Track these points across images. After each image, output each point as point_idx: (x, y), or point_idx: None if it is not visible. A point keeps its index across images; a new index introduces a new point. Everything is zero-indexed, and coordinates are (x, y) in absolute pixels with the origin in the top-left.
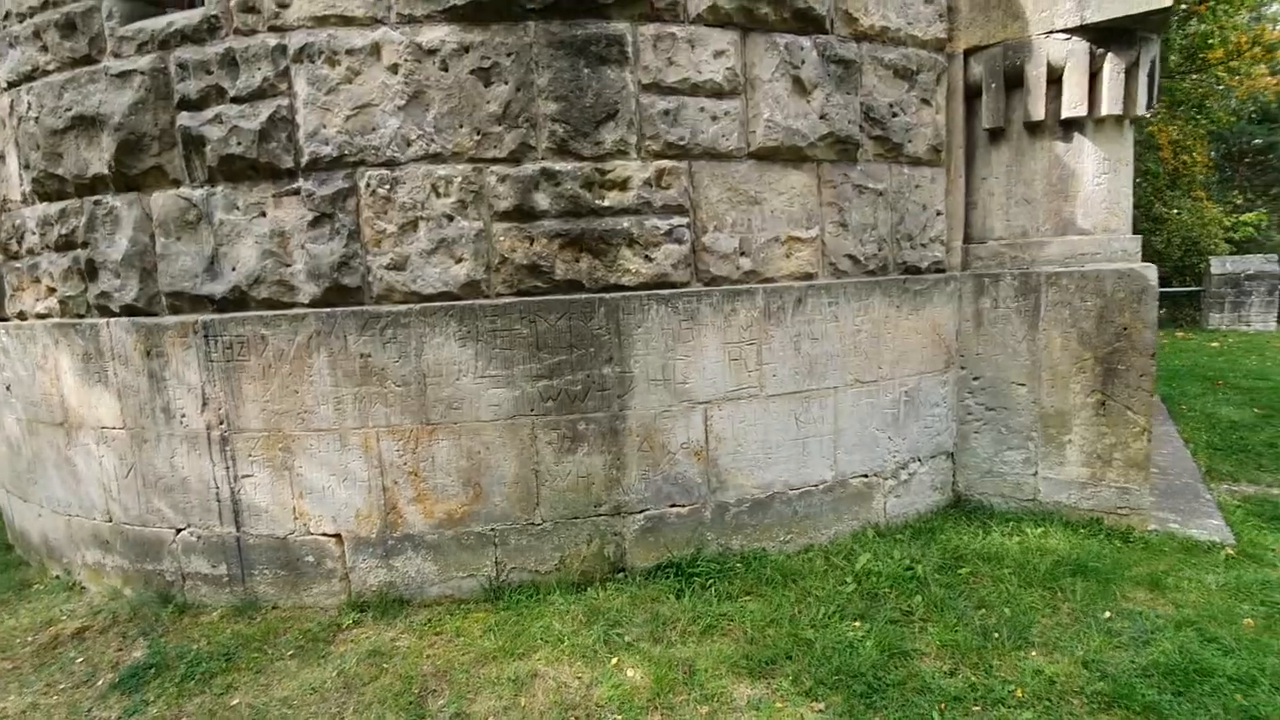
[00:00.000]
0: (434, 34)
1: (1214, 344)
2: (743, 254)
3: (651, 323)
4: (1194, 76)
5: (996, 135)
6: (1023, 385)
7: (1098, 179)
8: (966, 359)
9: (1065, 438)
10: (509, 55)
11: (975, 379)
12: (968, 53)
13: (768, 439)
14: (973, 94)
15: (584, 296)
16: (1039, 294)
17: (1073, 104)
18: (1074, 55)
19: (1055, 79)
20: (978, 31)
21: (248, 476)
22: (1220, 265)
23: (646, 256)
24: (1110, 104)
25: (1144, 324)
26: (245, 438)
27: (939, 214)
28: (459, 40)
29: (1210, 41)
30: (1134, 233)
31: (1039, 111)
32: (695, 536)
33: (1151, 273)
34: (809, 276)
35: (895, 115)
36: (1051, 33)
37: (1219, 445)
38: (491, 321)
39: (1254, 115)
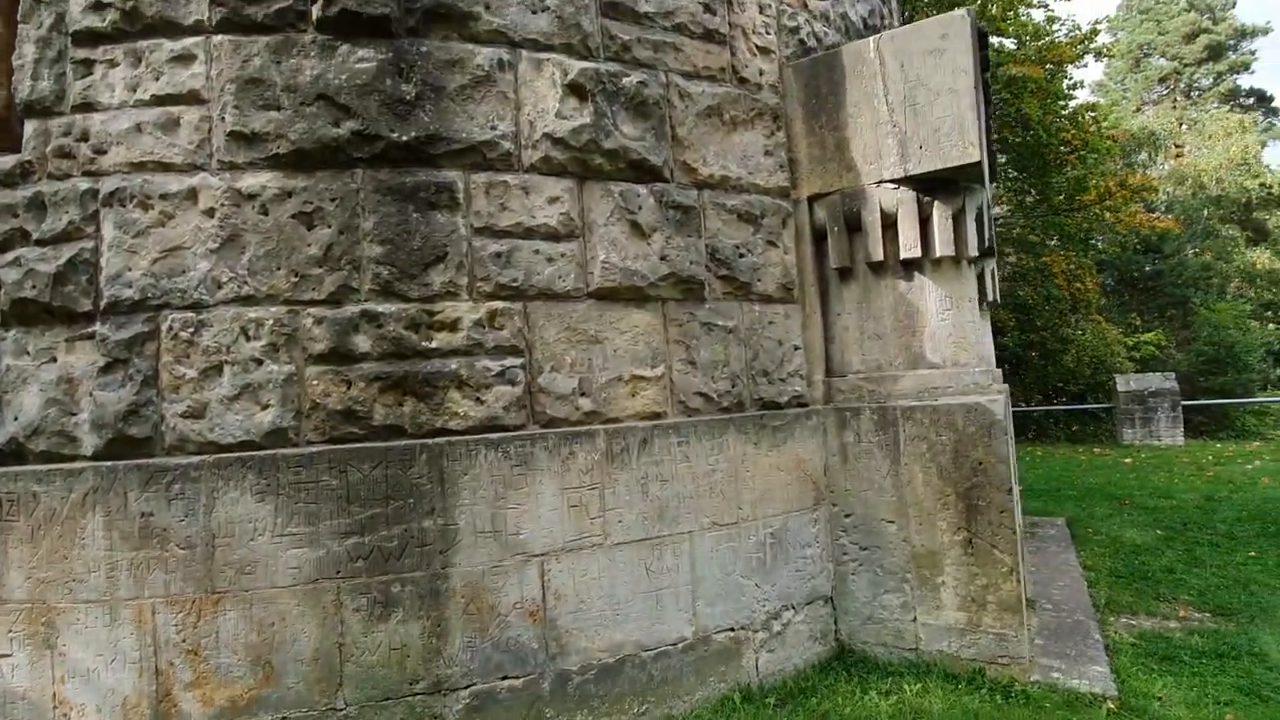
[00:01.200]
0: (256, 180)
1: (1127, 460)
2: (583, 394)
3: (480, 469)
4: (1075, 214)
5: (845, 274)
6: (892, 522)
7: (941, 315)
8: (837, 495)
9: (939, 579)
10: (334, 200)
11: (847, 516)
12: (811, 199)
13: (615, 593)
14: (820, 236)
15: (404, 443)
16: (897, 428)
17: (908, 247)
18: (904, 203)
19: (891, 223)
20: (818, 181)
21: (5, 656)
22: (1125, 383)
23: (477, 399)
24: (942, 247)
25: (997, 458)
26: (6, 611)
27: (797, 349)
28: (281, 186)
29: (1085, 185)
30: (998, 365)
31: (878, 254)
32: (532, 713)
33: (999, 406)
34: (657, 416)
35: (742, 256)
36: (881, 182)
37: (1121, 572)
38: (296, 472)
39: (1138, 246)
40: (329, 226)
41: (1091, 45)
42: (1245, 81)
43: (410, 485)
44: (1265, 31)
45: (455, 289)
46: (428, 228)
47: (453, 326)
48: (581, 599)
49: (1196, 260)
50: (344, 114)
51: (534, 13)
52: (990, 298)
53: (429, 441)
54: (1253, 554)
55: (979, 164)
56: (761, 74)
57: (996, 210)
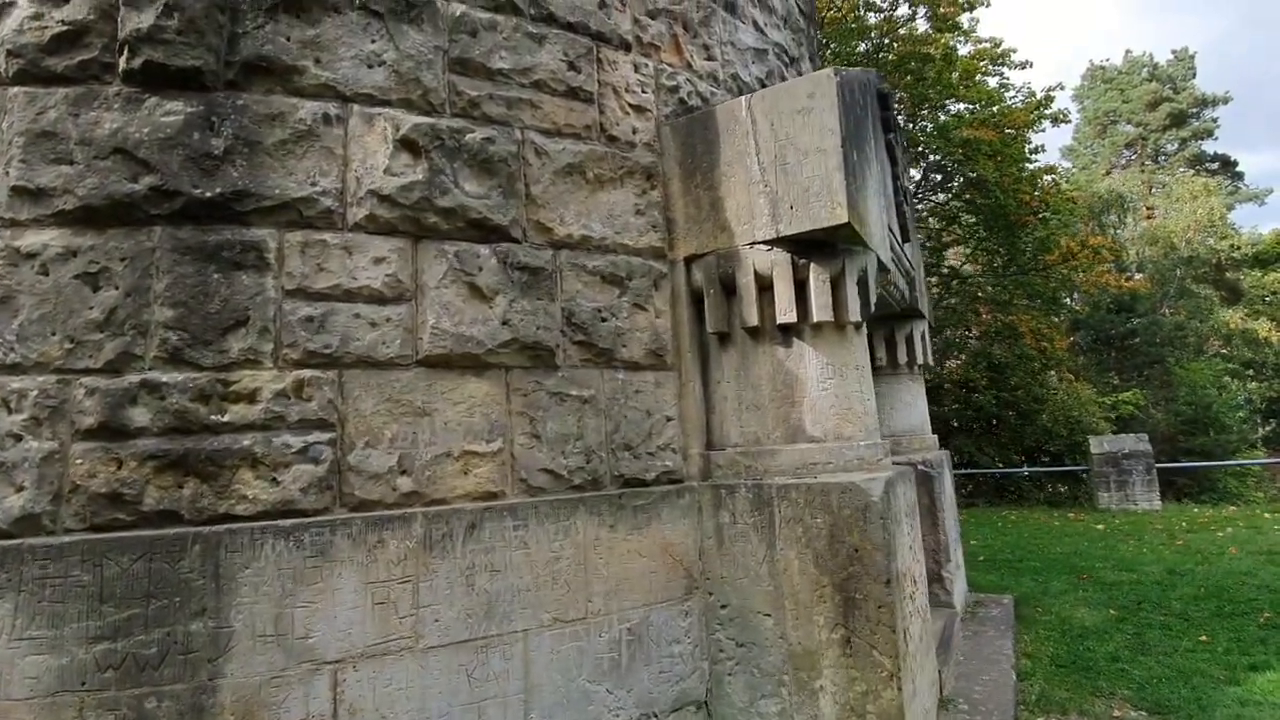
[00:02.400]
0: (39, 238)
1: (1099, 526)
2: (403, 472)
3: (265, 562)
4: (1040, 274)
5: (724, 339)
6: (769, 616)
7: (823, 384)
8: (713, 583)
9: (817, 683)
10: (124, 260)
11: (723, 607)
12: (688, 260)
13: (427, 706)
14: (698, 299)
15: (175, 532)
16: (772, 508)
17: (783, 311)
18: (778, 265)
19: (767, 286)
20: (694, 241)
21: None
22: (1099, 445)
23: (273, 479)
24: (820, 311)
25: (873, 545)
26: None
27: (669, 420)
28: (66, 244)
29: (1049, 245)
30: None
31: (752, 318)
32: None
33: (878, 486)
34: (492, 496)
35: (604, 320)
36: (754, 244)
37: (1063, 660)
38: (43, 565)
39: (1111, 306)
40: (115, 288)
41: (1046, 111)
42: (1210, 147)
43: (179, 581)
44: (1225, 101)
45: (257, 356)
46: (229, 290)
47: (251, 398)
48: (384, 714)
49: (1170, 319)
50: (143, 169)
51: (370, 67)
52: (920, 361)
53: (204, 530)
54: (1203, 638)
55: (848, 225)
56: (635, 132)
57: (968, 268)
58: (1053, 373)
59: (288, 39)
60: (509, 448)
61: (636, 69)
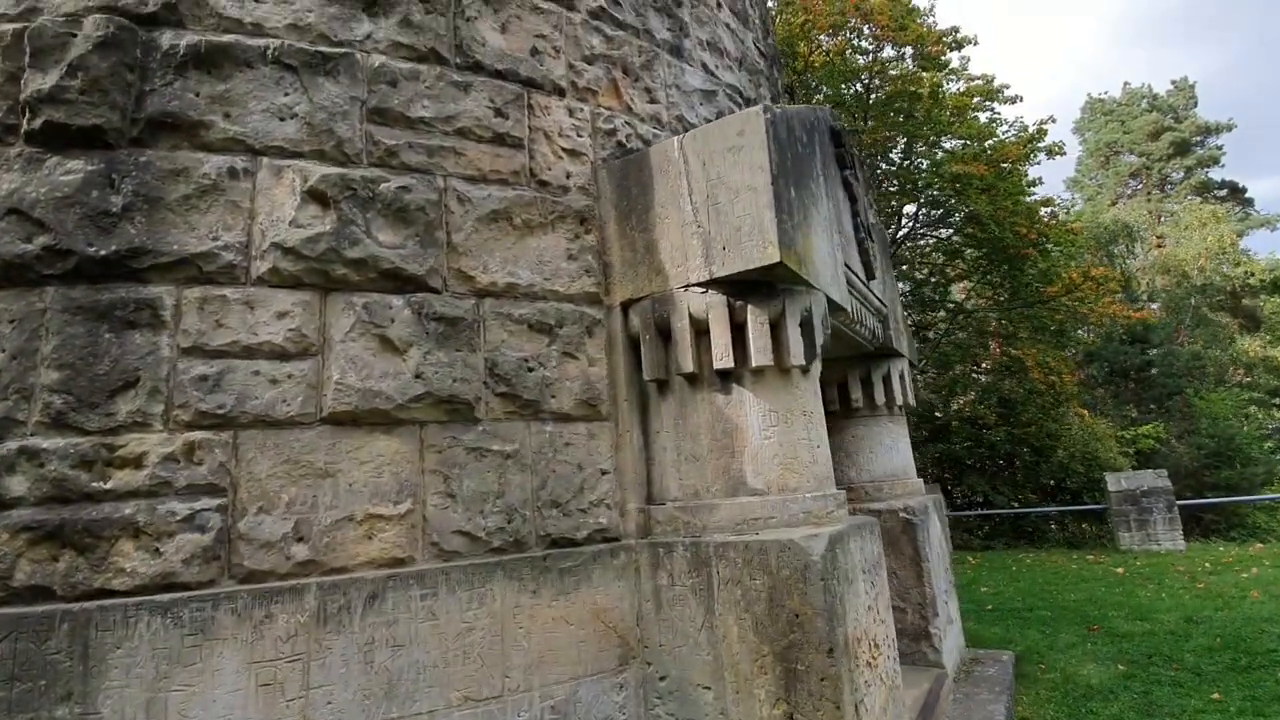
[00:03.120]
0: None
1: (1119, 569)
2: (299, 540)
3: (139, 641)
4: (1043, 306)
5: (662, 387)
6: (709, 689)
7: (765, 433)
8: (651, 651)
9: None
10: (12, 322)
11: (662, 679)
12: (625, 305)
13: None
14: (636, 345)
15: (44, 609)
16: (710, 569)
17: (720, 356)
18: (713, 308)
19: (704, 330)
20: (630, 285)
21: None
22: (1116, 482)
23: (155, 550)
24: (759, 356)
25: (814, 610)
26: None
27: (604, 474)
28: None
29: (1051, 278)
30: (839, 486)
31: (688, 364)
32: None
33: (819, 544)
34: (400, 562)
35: (530, 370)
36: (689, 286)
37: None
38: None
39: (1124, 337)
40: (1, 351)
41: (1039, 145)
42: (1216, 174)
43: (45, 663)
44: (1229, 128)
45: (147, 419)
46: (120, 350)
47: (137, 463)
48: None
49: (1187, 349)
50: (38, 229)
51: (281, 120)
52: (900, 401)
53: (74, 607)
54: (1216, 695)
55: (781, 264)
56: (569, 176)
57: (972, 302)
58: (1064, 408)
59: (197, 94)
60: (420, 509)
61: (571, 113)
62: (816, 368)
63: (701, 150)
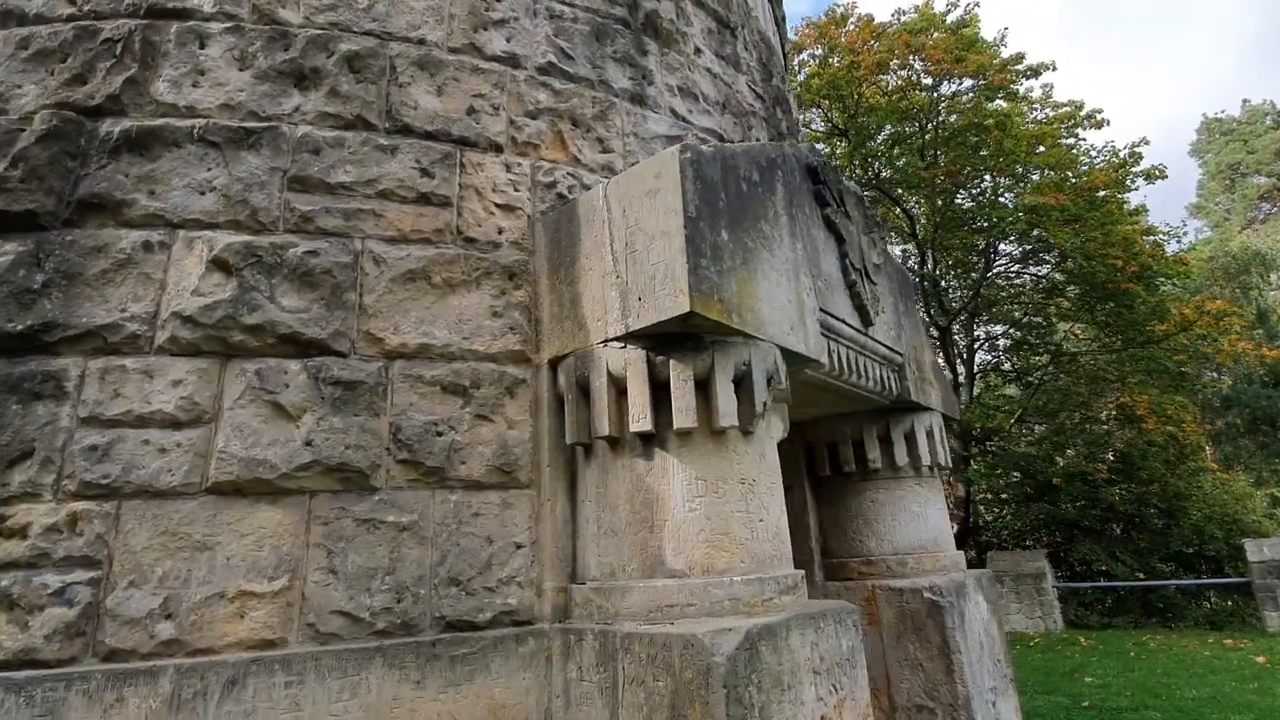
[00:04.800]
0: None
1: (1259, 658)
2: (167, 616)
3: None
4: (1155, 346)
5: (588, 452)
6: None
7: (690, 504)
8: None
9: None
10: None
11: None
12: (553, 362)
13: None
14: (563, 406)
15: None
16: (616, 664)
17: (636, 417)
18: (632, 364)
19: (626, 389)
20: (556, 342)
21: None
22: (1258, 551)
23: (25, 624)
24: (681, 417)
25: None
26: None
27: (519, 548)
28: None
29: (1163, 314)
30: (796, 566)
31: (604, 426)
32: None
33: (727, 641)
34: (270, 644)
35: (439, 435)
36: (607, 341)
37: None
38: None
39: (1265, 379)
40: None
41: (1134, 169)
42: None
43: None
44: None
45: (37, 489)
46: (23, 421)
47: (22, 533)
48: None
49: None
50: None
51: (201, 194)
52: (928, 462)
53: None
54: None
55: (694, 315)
56: (500, 232)
57: (1077, 344)
58: (1191, 461)
59: (126, 175)
60: (300, 586)
61: (508, 168)
62: (767, 429)
63: (622, 196)
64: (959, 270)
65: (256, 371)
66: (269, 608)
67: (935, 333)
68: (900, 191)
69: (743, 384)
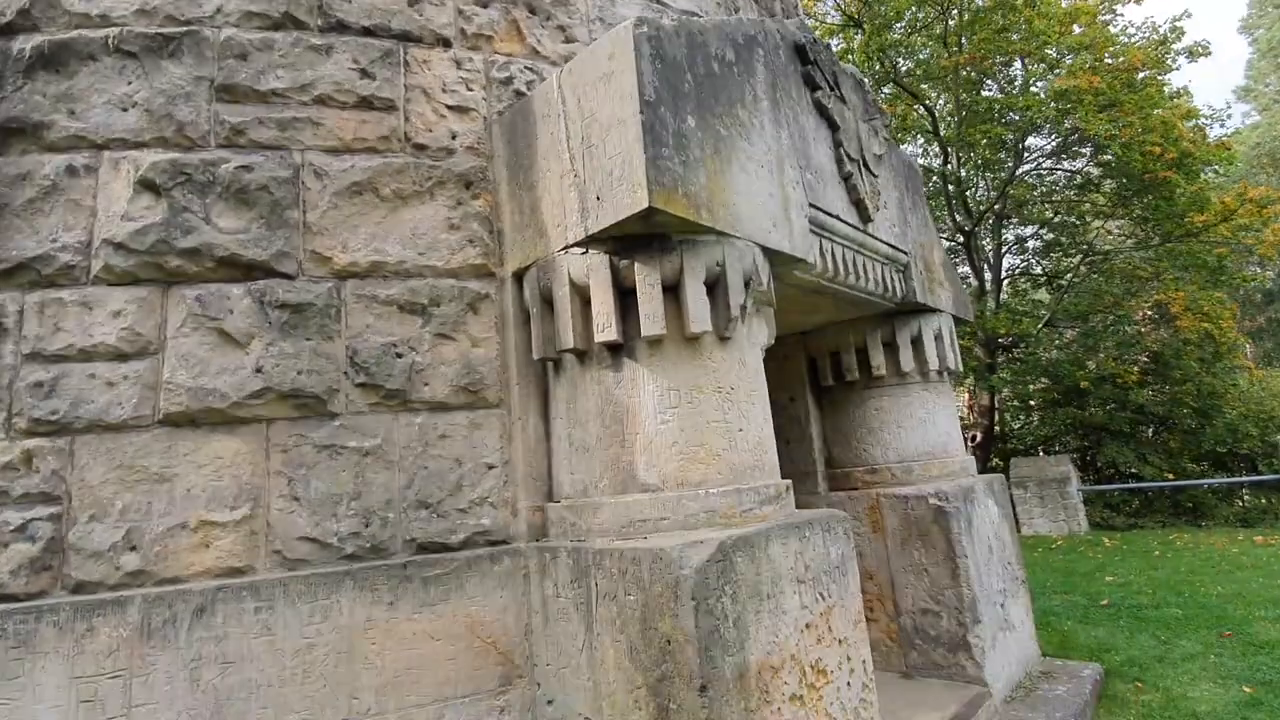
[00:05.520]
0: None
1: None
2: (131, 548)
3: None
4: (1193, 240)
5: (557, 367)
6: None
7: (663, 415)
8: (540, 671)
9: None
10: None
11: (549, 703)
12: (517, 275)
13: None
14: (530, 321)
15: None
16: (590, 580)
17: (601, 327)
18: (595, 270)
19: (589, 298)
20: (519, 253)
21: None
22: None
23: None
24: (649, 324)
25: (686, 637)
26: None
27: (491, 468)
28: None
29: (1202, 203)
30: (785, 475)
31: (569, 339)
32: None
33: (697, 554)
34: (238, 572)
35: (399, 356)
36: (568, 247)
37: None
38: None
39: None
40: None
41: (1173, 46)
42: None
43: None
44: None
45: None
46: None
47: None
48: None
49: None
50: None
51: (124, 110)
52: (936, 366)
53: None
54: None
55: (652, 211)
56: (454, 137)
57: (1110, 241)
58: (1226, 360)
59: (44, 95)
60: (264, 514)
61: (459, 65)
62: (748, 334)
63: (577, 84)
64: (985, 169)
65: (197, 298)
66: (233, 536)
67: (960, 237)
68: (924, 88)
69: (717, 286)
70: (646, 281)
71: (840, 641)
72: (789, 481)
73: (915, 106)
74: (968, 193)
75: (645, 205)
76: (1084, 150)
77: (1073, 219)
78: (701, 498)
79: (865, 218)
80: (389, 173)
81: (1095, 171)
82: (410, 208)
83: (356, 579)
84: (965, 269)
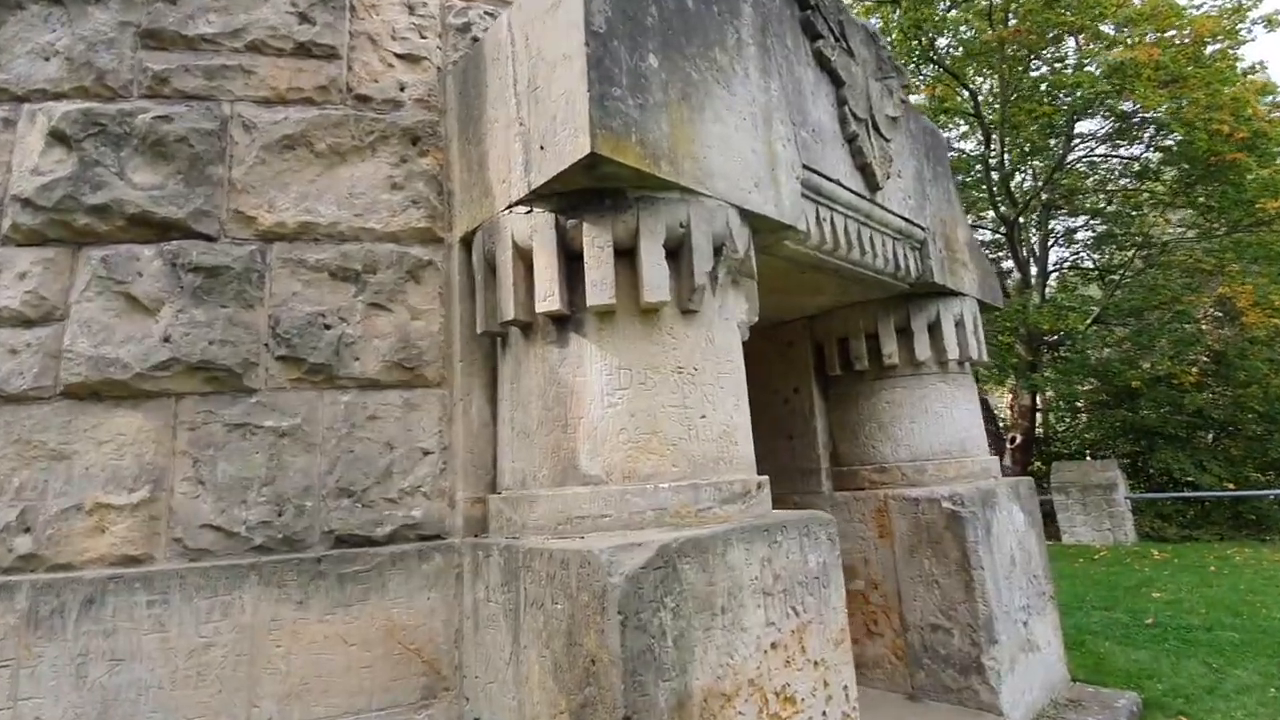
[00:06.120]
0: None
1: None
2: (25, 530)
3: None
4: (1264, 228)
5: (505, 343)
6: None
7: (610, 398)
8: (469, 684)
9: None
10: None
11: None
12: (466, 240)
13: None
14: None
15: None
16: (519, 583)
17: (543, 295)
18: (538, 231)
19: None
20: (467, 214)
21: None
22: None
23: None
24: (597, 291)
25: (611, 658)
26: None
27: (427, 454)
28: None
29: (1273, 188)
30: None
31: (509, 309)
32: None
33: (630, 559)
34: (134, 561)
35: (327, 328)
36: (512, 206)
37: None
38: None
39: None
40: None
41: (1247, 15)
42: None
43: None
44: None
45: None
46: None
47: None
48: None
49: None
50: None
51: (46, 59)
52: (955, 355)
53: None
54: None
55: (596, 159)
56: (403, 88)
57: (1161, 231)
58: None
59: None
60: (166, 498)
61: (411, 10)
62: (720, 308)
63: (526, 21)
64: (1032, 154)
65: (103, 259)
66: (130, 521)
67: (1004, 228)
68: (967, 70)
69: (681, 251)
70: (595, 243)
71: (816, 664)
72: (764, 478)
73: (957, 89)
74: (1011, 181)
75: (587, 151)
76: (1143, 135)
77: (1128, 209)
78: (649, 493)
79: (873, 185)
80: (325, 126)
81: (1155, 157)
82: (349, 165)
83: (262, 573)
84: (1009, 263)
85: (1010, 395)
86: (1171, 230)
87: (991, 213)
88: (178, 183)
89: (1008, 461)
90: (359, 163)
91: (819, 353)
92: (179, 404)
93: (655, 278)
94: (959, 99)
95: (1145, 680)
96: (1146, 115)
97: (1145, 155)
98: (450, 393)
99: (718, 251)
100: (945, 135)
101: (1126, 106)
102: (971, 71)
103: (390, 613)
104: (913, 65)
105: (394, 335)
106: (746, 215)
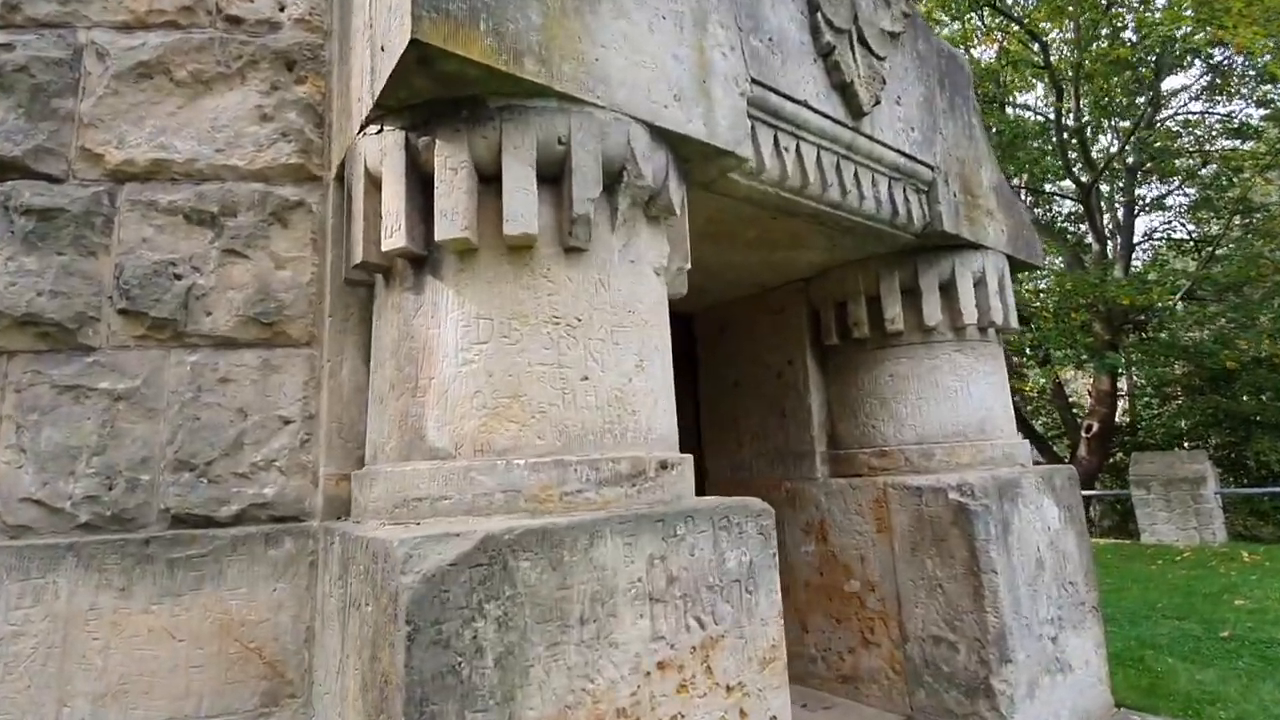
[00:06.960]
0: None
1: None
2: None
3: None
4: None
5: (371, 291)
6: None
7: (465, 354)
8: (317, 689)
9: None
10: None
11: None
12: (339, 177)
13: None
14: None
15: None
16: (349, 577)
17: (389, 229)
18: (387, 153)
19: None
20: (338, 145)
21: None
22: None
23: None
24: (447, 222)
25: (397, 679)
26: None
27: (287, 423)
28: None
29: None
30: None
31: (358, 250)
32: None
33: (436, 552)
34: None
35: (177, 279)
36: (365, 126)
37: None
38: None
39: None
40: None
41: None
42: None
43: None
44: None
45: None
46: None
47: None
48: None
49: None
50: None
51: None
52: (972, 320)
53: None
54: None
55: (430, 56)
56: (282, 8)
57: (1259, 195)
58: None
59: None
60: None
61: None
62: (624, 248)
63: None
64: (1113, 112)
65: None
66: None
67: (1078, 194)
68: (1034, 15)
69: (561, 175)
70: (447, 164)
71: (729, 689)
72: (681, 457)
73: (1023, 40)
74: (1090, 143)
75: (409, 39)
76: (1241, 89)
77: (1227, 173)
78: (500, 470)
79: (856, 110)
80: (185, 50)
81: (1256, 114)
82: (214, 95)
83: (81, 555)
84: (1090, 240)
85: (1092, 380)
86: (1274, 194)
87: (1065, 177)
88: (19, 117)
89: (1083, 452)
90: (225, 92)
91: (815, 320)
92: (10, 362)
93: (519, 205)
94: (1025, 50)
95: (1207, 706)
96: (1244, 62)
97: (1245, 111)
98: (320, 353)
99: (620, 177)
100: (1018, 98)
101: (1217, 54)
102: (1042, 16)
103: (228, 605)
104: (967, 7)
105: (251, 286)
106: (661, 135)
